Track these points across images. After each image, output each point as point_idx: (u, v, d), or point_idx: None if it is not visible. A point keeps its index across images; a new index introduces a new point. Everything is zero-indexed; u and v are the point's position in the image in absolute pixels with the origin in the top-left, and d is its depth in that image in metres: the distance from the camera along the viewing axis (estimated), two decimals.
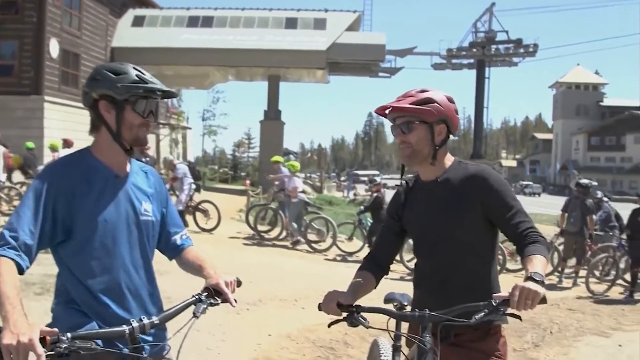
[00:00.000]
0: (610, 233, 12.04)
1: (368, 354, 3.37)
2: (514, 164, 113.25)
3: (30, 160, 15.37)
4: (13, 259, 1.94)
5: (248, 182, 26.49)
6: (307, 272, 10.39)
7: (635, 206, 10.29)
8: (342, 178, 67.57)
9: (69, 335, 1.76)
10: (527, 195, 66.44)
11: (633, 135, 76.92)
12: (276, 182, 14.37)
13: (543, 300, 2.03)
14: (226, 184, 36.28)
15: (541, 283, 2.05)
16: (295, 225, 13.60)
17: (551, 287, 10.75)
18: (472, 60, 46.42)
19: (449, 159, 2.55)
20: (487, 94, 47.51)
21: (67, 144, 14.07)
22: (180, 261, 2.50)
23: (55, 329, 1.75)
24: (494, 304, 2.10)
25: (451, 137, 2.54)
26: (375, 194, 12.90)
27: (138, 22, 32.17)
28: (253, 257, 11.39)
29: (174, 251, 2.50)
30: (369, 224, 13.12)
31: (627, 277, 10.61)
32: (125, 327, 1.94)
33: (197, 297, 2.19)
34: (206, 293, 2.22)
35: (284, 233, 14.16)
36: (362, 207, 13.98)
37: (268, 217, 14.91)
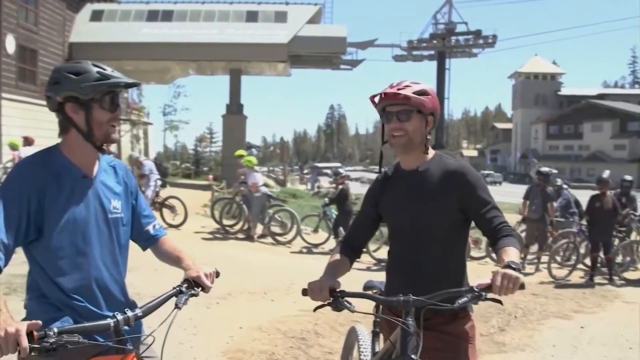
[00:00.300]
0: (571, 219, 12.32)
1: (345, 340, 3.43)
2: (475, 153, 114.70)
3: None
4: None
5: (211, 176, 26.30)
6: (274, 265, 10.44)
7: (594, 193, 10.57)
8: (305, 171, 67.67)
9: (55, 329, 1.78)
10: (489, 184, 67.19)
11: (590, 124, 78.52)
12: (242, 176, 14.34)
13: (522, 286, 2.13)
14: (189, 179, 35.97)
15: (518, 270, 2.15)
16: (256, 219, 13.67)
17: None
18: (432, 52, 46.69)
19: (430, 151, 2.65)
20: (448, 85, 47.86)
21: (27, 141, 13.83)
22: (157, 251, 2.54)
23: (39, 322, 1.76)
24: (476, 290, 2.21)
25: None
26: (340, 186, 13.01)
27: (96, 16, 31.58)
28: (220, 251, 11.37)
29: (148, 241, 2.54)
30: (334, 216, 13.22)
31: (588, 261, 10.89)
32: (110, 321, 1.97)
33: (177, 288, 2.24)
34: (186, 284, 2.28)
35: (246, 226, 14.16)
36: (326, 200, 14.04)
37: (232, 211, 14.86)
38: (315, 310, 2.45)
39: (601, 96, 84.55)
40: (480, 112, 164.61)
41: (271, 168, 64.05)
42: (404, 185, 2.64)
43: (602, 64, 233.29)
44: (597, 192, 10.43)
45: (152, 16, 32.02)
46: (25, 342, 1.71)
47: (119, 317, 1.99)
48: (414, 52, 45.97)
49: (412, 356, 2.22)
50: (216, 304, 7.07)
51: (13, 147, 14.09)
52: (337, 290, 2.38)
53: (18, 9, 24.90)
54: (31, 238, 2.15)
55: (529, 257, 11.77)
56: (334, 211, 13.46)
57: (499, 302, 2.23)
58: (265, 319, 6.56)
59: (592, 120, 78.02)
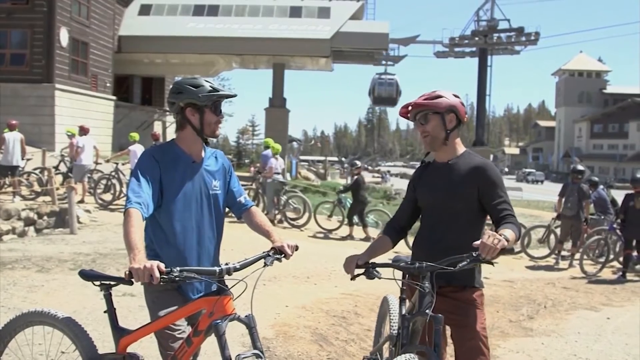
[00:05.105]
0: (602, 217, 12.54)
1: (379, 308, 3.94)
2: (516, 151, 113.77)
3: None
4: (138, 209, 2.71)
5: (253, 168, 26.89)
6: (314, 252, 10.90)
7: (629, 192, 10.77)
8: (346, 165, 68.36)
9: (178, 268, 2.50)
10: (530, 182, 66.81)
11: (636, 123, 76.93)
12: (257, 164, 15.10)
13: (510, 251, 2.66)
14: None
15: (506, 241, 2.67)
16: (270, 204, 14.40)
17: (548, 268, 11.34)
18: (474, 49, 46.51)
19: (461, 148, 3.19)
20: (490, 81, 47.46)
21: (83, 130, 14.56)
22: (250, 222, 3.22)
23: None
24: (474, 254, 2.75)
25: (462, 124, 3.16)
26: (355, 177, 13.86)
27: (145, 10, 32.60)
28: (262, 239, 11.89)
29: (240, 210, 3.25)
30: (349, 204, 14.01)
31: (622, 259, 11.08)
32: (216, 268, 2.64)
33: (266, 253, 2.92)
34: (272, 251, 2.94)
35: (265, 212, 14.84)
36: (341, 187, 14.78)
37: (250, 197, 15.48)
38: (352, 279, 3.03)
39: None
40: (523, 109, 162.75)
41: (312, 161, 64.66)
42: (436, 175, 3.18)
43: None
44: (631, 191, 10.63)
45: (199, 11, 32.86)
46: (157, 274, 2.41)
47: (223, 266, 2.67)
48: (456, 49, 45.89)
49: (427, 311, 2.81)
50: (263, 285, 7.61)
51: (70, 135, 14.87)
52: (369, 262, 2.98)
53: (71, 3, 25.76)
54: (159, 203, 2.88)
55: (563, 253, 12.03)
56: (349, 200, 14.16)
57: (491, 263, 2.76)
58: (309, 300, 7.12)
59: (638, 119, 76.36)
